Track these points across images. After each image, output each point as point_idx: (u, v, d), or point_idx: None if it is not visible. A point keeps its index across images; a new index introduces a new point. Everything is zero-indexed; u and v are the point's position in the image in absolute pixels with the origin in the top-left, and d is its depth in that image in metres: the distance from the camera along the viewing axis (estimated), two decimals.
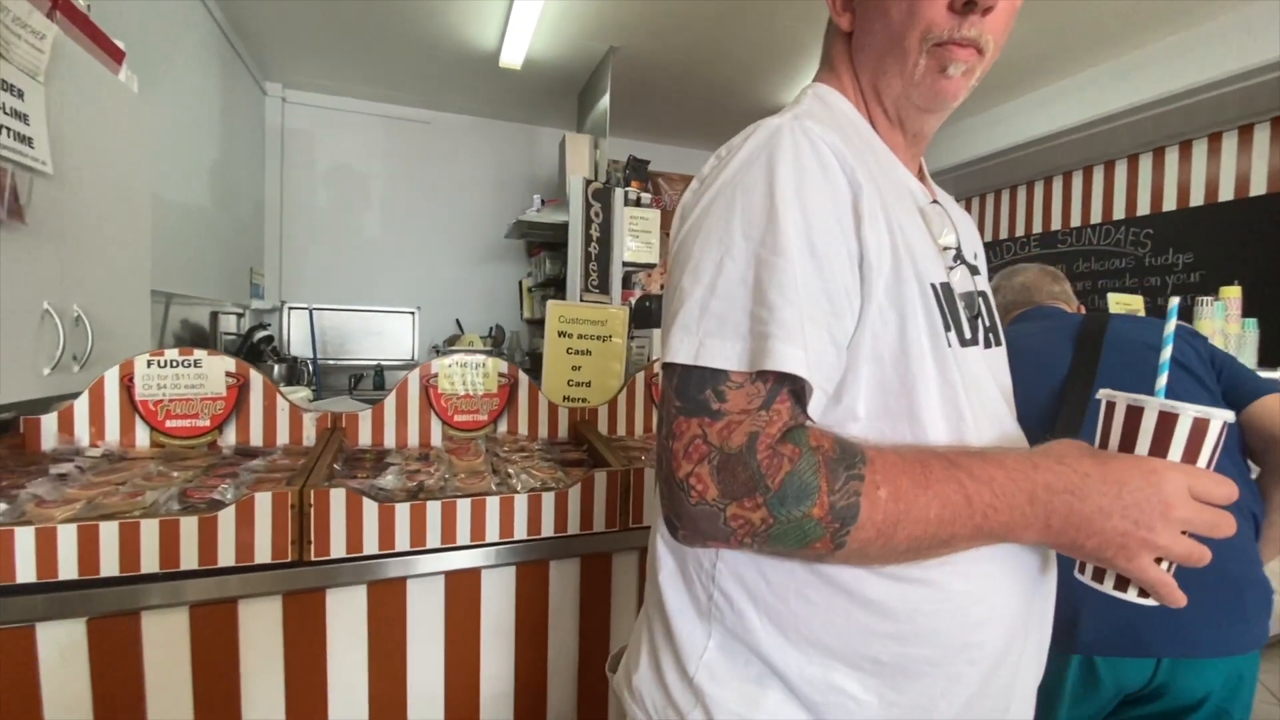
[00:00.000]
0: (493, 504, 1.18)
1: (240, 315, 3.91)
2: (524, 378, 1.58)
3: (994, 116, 4.67)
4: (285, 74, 4.32)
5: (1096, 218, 4.63)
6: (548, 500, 1.22)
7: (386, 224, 4.82)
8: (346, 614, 1.13)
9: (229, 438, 1.39)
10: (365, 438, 1.47)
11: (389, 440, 1.48)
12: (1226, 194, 3.86)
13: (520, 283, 4.88)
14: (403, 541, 1.13)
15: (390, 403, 1.48)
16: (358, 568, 1.12)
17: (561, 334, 1.64)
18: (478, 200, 5.01)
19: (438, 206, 4.92)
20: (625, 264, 3.59)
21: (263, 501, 1.04)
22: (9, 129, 1.11)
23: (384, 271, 4.80)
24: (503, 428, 1.57)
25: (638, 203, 3.60)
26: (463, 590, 1.21)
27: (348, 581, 1.12)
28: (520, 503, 1.20)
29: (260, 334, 3.57)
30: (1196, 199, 4.01)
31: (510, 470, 1.27)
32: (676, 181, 5.64)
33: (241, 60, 3.91)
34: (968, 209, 5.76)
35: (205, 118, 3.41)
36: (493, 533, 1.19)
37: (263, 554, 1.05)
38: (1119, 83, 3.92)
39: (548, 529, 1.23)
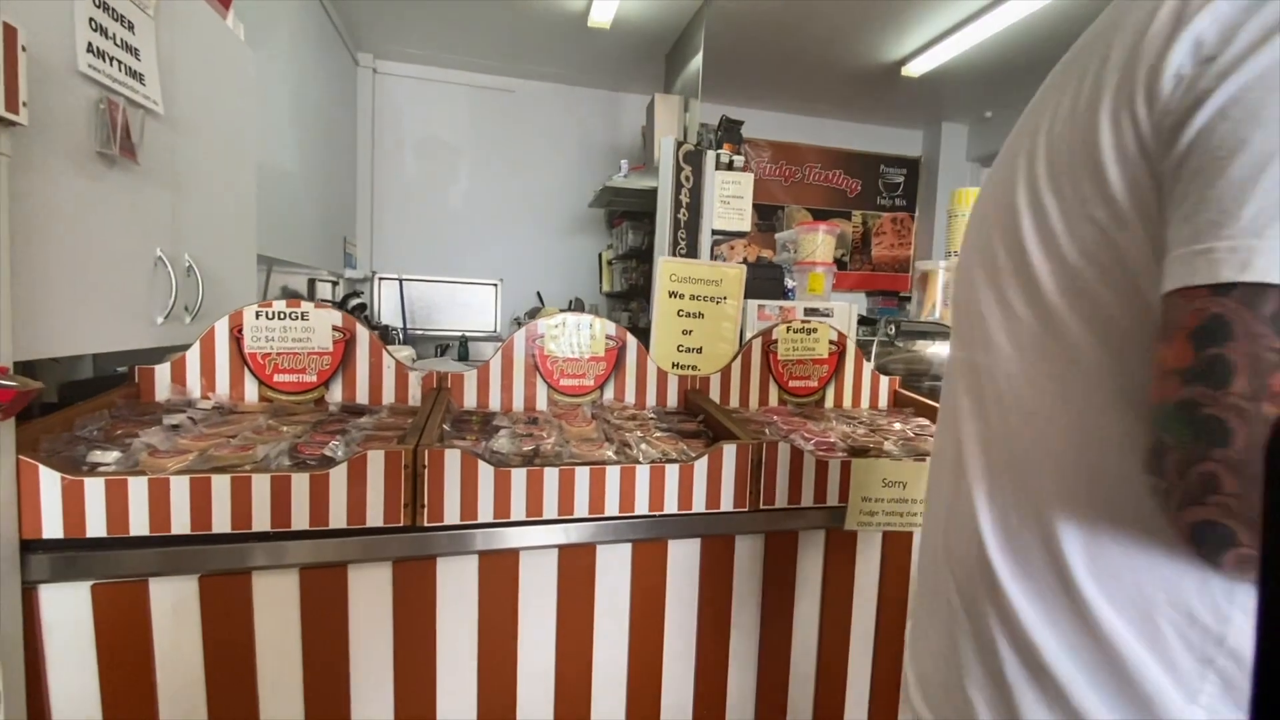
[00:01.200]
0: (613, 474, 1.06)
1: (335, 283, 4.00)
2: (632, 341, 1.45)
3: None
4: (375, 43, 4.35)
5: None
6: (671, 473, 1.09)
7: (471, 195, 4.82)
8: (458, 585, 1.04)
9: (335, 394, 1.33)
10: (470, 399, 1.39)
11: (494, 403, 1.39)
12: None
13: (600, 255, 4.78)
14: (518, 510, 1.03)
15: (496, 363, 1.39)
16: (470, 535, 1.03)
17: (672, 294, 1.50)
18: (560, 170, 4.93)
19: (521, 177, 4.88)
20: (714, 232, 3.41)
21: (375, 460, 0.96)
22: (120, 61, 1.06)
23: (468, 243, 4.81)
24: (609, 394, 1.45)
25: (730, 166, 3.40)
26: (577, 567, 1.10)
27: (460, 550, 1.03)
28: (642, 474, 1.08)
29: (354, 301, 3.62)
30: None
31: (629, 439, 1.14)
32: (764, 149, 5.36)
33: (335, 28, 3.95)
34: None
35: (302, 83, 3.45)
36: (612, 505, 1.07)
37: (375, 516, 0.97)
38: None
39: (671, 505, 1.10)
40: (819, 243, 3.11)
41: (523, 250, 4.89)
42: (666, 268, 1.49)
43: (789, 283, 3.20)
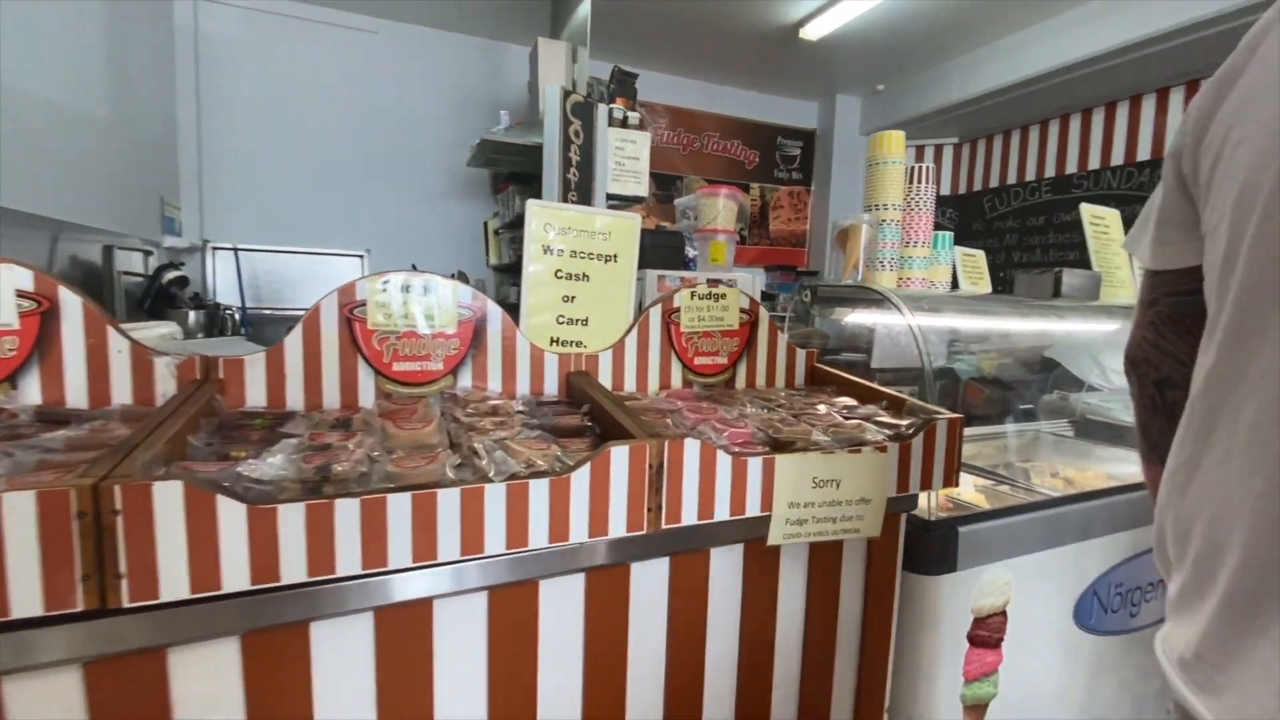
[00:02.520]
0: (449, 500, 0.72)
1: (148, 254, 3.28)
2: (495, 310, 1.11)
3: (1010, 45, 4.21)
4: None
5: (1118, 159, 4.27)
6: (539, 492, 0.77)
7: (328, 153, 4.17)
8: (205, 687, 0.67)
9: (30, 393, 0.88)
10: (258, 395, 0.98)
11: (294, 399, 1.00)
12: None
13: (485, 224, 4.31)
14: (293, 567, 0.67)
15: (295, 343, 0.99)
16: (213, 612, 0.66)
17: (548, 250, 1.16)
18: (435, 127, 4.38)
19: (388, 133, 4.28)
20: (609, 197, 3.08)
21: (15, 507, 0.56)
22: None
23: (327, 208, 4.18)
24: (465, 381, 1.10)
25: (624, 123, 3.07)
26: (406, 633, 0.76)
27: (197, 636, 0.66)
28: (495, 497, 0.74)
29: (170, 275, 2.97)
30: None
31: (478, 445, 0.80)
32: (661, 113, 5.07)
33: None
34: (975, 150, 5.36)
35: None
36: (450, 546, 0.73)
37: (25, 599, 0.58)
38: (1152, 4, 3.49)
39: (539, 536, 0.78)
40: (720, 208, 2.87)
41: (394, 217, 4.31)
42: (539, 215, 1.15)
43: (690, 252, 2.94)
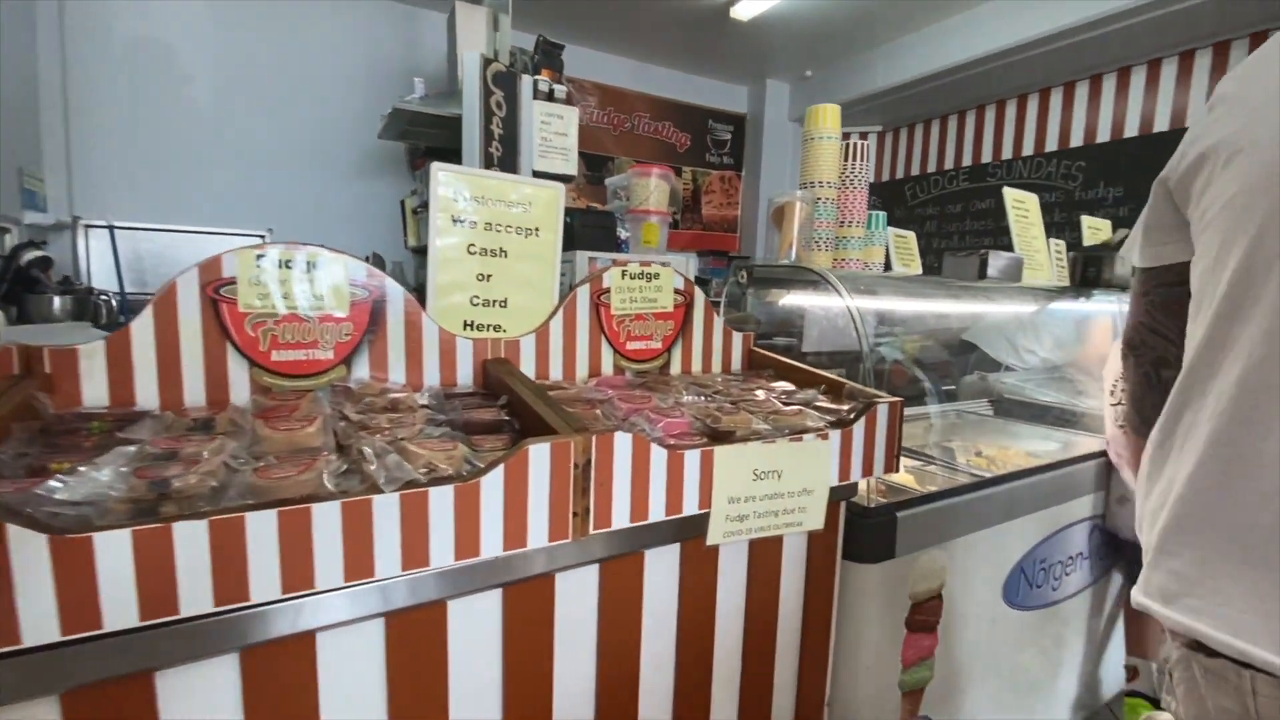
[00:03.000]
0: (326, 517, 0.59)
1: (5, 231, 2.86)
2: (396, 289, 0.97)
3: (931, 34, 4.32)
4: None
5: (1029, 149, 4.48)
6: (441, 501, 0.65)
7: (223, 121, 3.77)
8: None
9: None
10: (98, 392, 0.81)
11: (145, 397, 0.83)
12: (1162, 125, 3.76)
13: (403, 203, 4.04)
14: (120, 609, 0.53)
15: (144, 329, 0.82)
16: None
17: (458, 221, 1.03)
18: (345, 95, 4.05)
19: (293, 101, 3.92)
20: (536, 174, 2.92)
21: None
22: None
23: (222, 183, 3.79)
24: (361, 371, 0.96)
25: (550, 96, 2.91)
26: (282, 674, 0.63)
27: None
28: (386, 510, 0.62)
29: (30, 255, 2.59)
30: (1131, 129, 3.90)
31: (366, 448, 0.67)
32: (591, 91, 4.91)
33: None
34: (897, 139, 5.51)
35: None
36: (330, 570, 0.61)
37: None
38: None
39: (443, 553, 0.67)
40: (652, 189, 2.77)
41: (299, 194, 3.97)
42: (448, 181, 1.01)
43: (622, 233, 2.84)
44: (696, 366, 1.31)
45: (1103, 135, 4.04)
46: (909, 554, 1.23)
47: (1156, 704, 1.69)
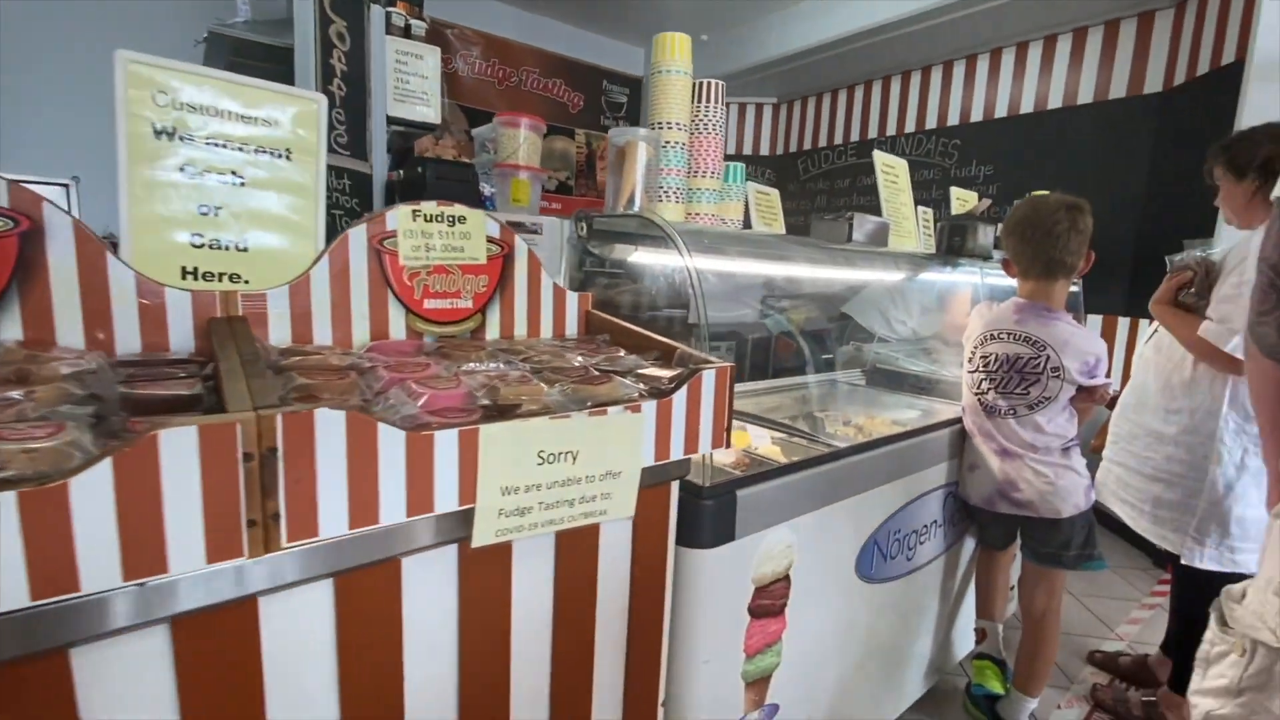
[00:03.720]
0: None
1: None
2: (63, 221, 0.71)
3: (824, 3, 4.28)
4: None
5: (910, 126, 4.58)
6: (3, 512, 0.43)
7: (12, 56, 3.12)
8: None
9: None
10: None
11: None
12: (1027, 107, 3.93)
13: None
14: None
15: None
16: None
17: (164, 134, 0.77)
18: (155, 24, 3.46)
19: (94, 28, 3.30)
20: (391, 121, 2.60)
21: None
22: None
23: (13, 124, 3.15)
24: (10, 332, 0.70)
25: (407, 32, 2.58)
26: None
27: None
28: None
29: None
30: (1001, 110, 4.06)
31: None
32: (474, 41, 4.52)
33: None
34: (790, 112, 5.50)
35: None
36: None
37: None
38: None
39: (10, 590, 0.45)
40: (521, 140, 2.53)
41: (109, 136, 3.37)
42: (142, 79, 0.75)
43: (486, 189, 2.58)
44: (521, 330, 1.13)
45: (976, 115, 4.19)
46: (752, 535, 1.13)
47: (1002, 665, 1.73)
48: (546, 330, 1.17)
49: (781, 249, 1.53)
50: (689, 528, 1.05)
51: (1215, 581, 1.69)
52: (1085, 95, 3.65)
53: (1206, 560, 1.55)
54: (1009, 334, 1.54)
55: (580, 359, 0.97)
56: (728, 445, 0.95)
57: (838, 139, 5.10)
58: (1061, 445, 1.54)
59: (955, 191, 2.58)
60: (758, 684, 1.23)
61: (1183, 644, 1.79)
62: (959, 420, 1.70)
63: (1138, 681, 1.95)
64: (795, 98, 5.42)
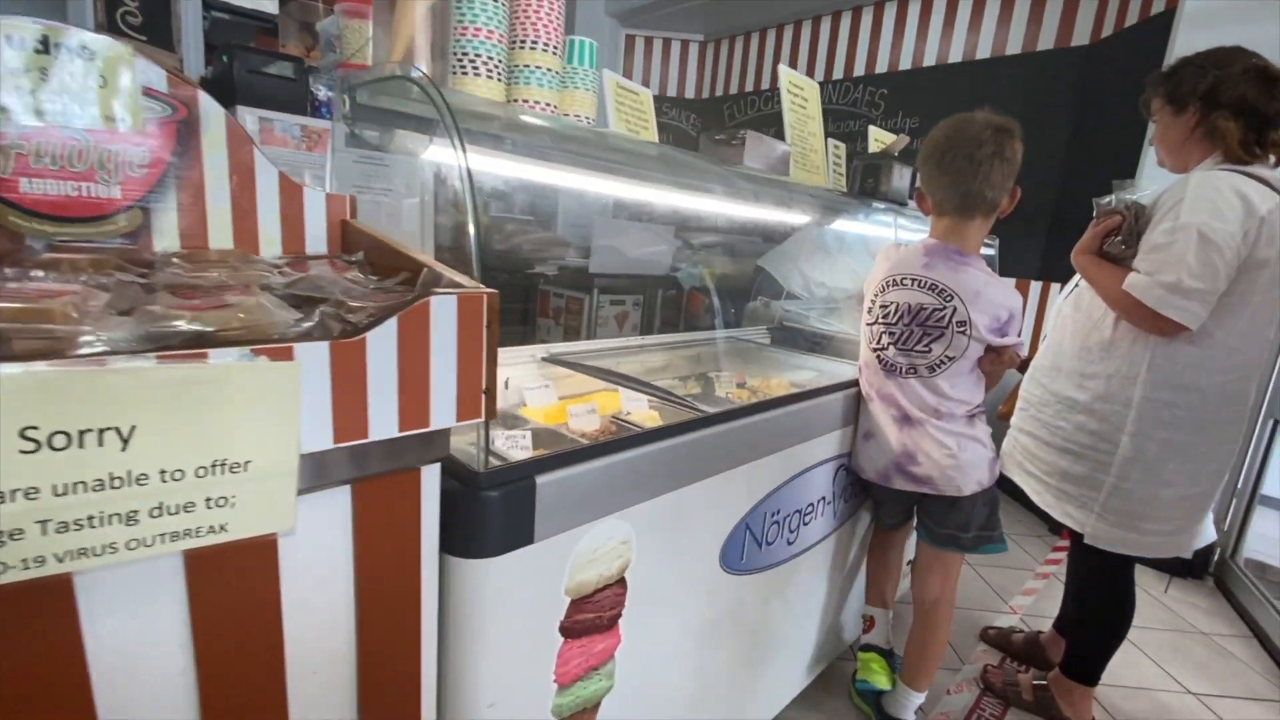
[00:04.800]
0: None
1: None
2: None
3: None
4: None
5: (839, 73, 4.32)
6: None
7: None
8: None
9: None
10: None
11: None
12: (956, 55, 3.73)
13: None
14: None
15: None
16: None
17: None
18: None
19: None
20: (214, 5, 2.09)
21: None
22: None
23: None
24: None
25: None
26: None
27: None
28: None
29: None
30: (930, 58, 3.84)
31: None
32: None
33: None
34: (718, 51, 5.13)
35: None
36: None
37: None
38: None
39: None
40: (369, 35, 2.08)
41: None
42: None
43: (321, 93, 2.12)
44: (223, 240, 0.76)
45: (904, 63, 3.96)
46: (563, 534, 0.83)
47: (888, 655, 1.55)
48: (271, 244, 0.81)
49: (642, 163, 1.20)
50: (461, 530, 0.74)
51: (1116, 564, 1.58)
52: (1014, 45, 3.47)
53: (1111, 541, 1.40)
54: (914, 280, 1.29)
55: (271, 275, 0.62)
56: (489, 415, 0.64)
57: (765, 84, 4.78)
58: (966, 412, 1.32)
59: (873, 131, 2.32)
60: (581, 715, 0.96)
61: (1078, 624, 1.67)
62: (854, 382, 1.46)
63: (1030, 661, 1.84)
64: (724, 36, 5.04)
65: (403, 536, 0.68)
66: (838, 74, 4.32)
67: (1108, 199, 1.45)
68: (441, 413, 0.59)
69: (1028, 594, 2.28)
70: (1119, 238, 1.37)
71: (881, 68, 4.08)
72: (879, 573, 1.58)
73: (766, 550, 1.29)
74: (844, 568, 1.63)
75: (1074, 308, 1.50)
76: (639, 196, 1.31)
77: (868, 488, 1.52)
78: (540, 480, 0.78)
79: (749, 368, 2.10)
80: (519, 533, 0.78)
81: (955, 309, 1.25)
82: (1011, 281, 3.30)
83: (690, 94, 5.30)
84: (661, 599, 1.04)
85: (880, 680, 1.49)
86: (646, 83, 5.34)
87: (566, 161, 1.07)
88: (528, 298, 3.02)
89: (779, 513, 1.29)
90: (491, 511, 0.74)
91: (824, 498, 1.44)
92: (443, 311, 0.56)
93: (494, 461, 0.77)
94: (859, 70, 4.20)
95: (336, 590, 0.63)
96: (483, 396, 0.61)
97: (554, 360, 1.55)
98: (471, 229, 0.73)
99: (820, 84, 4.39)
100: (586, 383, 1.53)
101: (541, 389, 1.47)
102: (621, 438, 0.92)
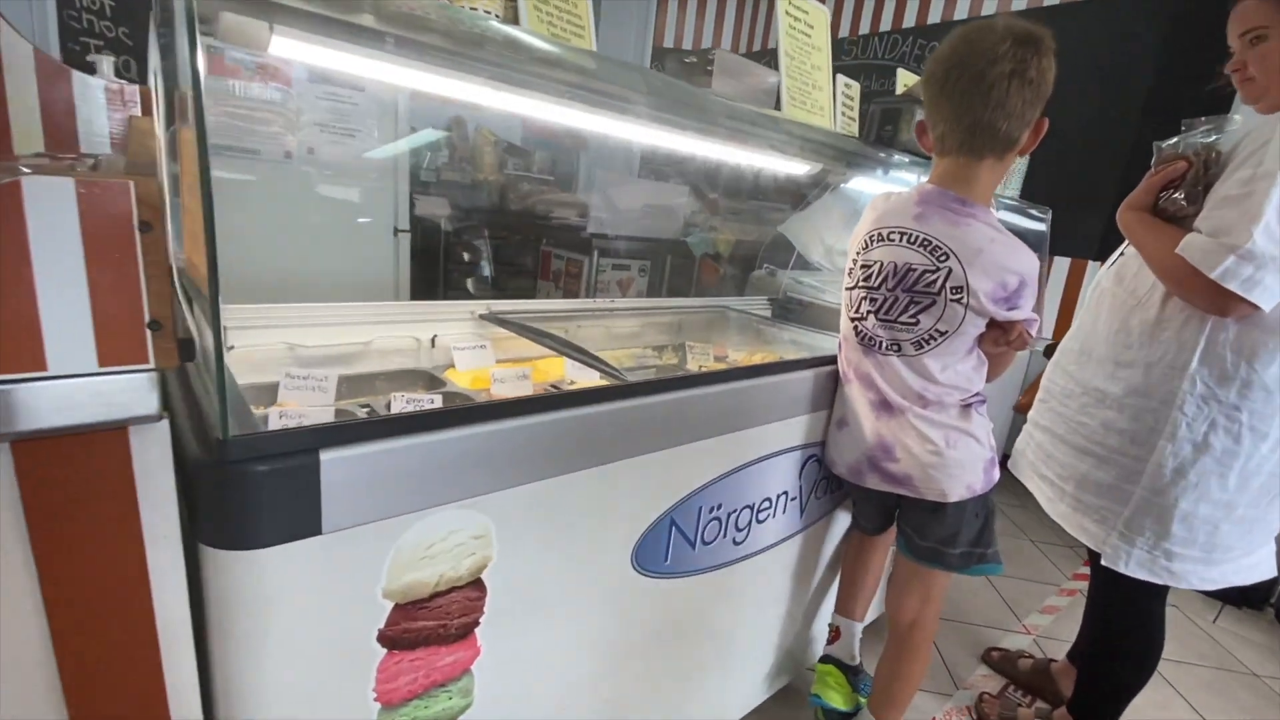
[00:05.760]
0: None
1: None
2: None
3: None
4: None
5: (887, 24, 3.91)
6: None
7: None
8: None
9: None
10: None
11: None
12: (1019, 3, 3.30)
13: None
14: None
15: None
16: None
17: None
18: None
19: None
20: None
21: None
22: None
23: None
24: None
25: None
26: None
27: None
28: None
29: None
30: (989, 7, 3.42)
31: None
32: None
33: None
34: (754, 6, 4.75)
35: None
36: None
37: None
38: None
39: None
40: None
41: None
42: None
43: None
44: None
45: (961, 12, 3.54)
46: (371, 523, 0.66)
47: (850, 670, 1.34)
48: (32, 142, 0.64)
49: (567, 77, 0.97)
50: (211, 513, 0.57)
51: (1141, 592, 1.29)
52: None
53: (1134, 565, 1.14)
54: (901, 234, 1.04)
55: None
56: (168, 361, 0.46)
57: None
58: (960, 400, 1.07)
59: (901, 74, 2.02)
60: None
61: (1092, 657, 1.42)
62: (832, 359, 1.23)
63: (1036, 692, 1.60)
64: None
65: (109, 516, 0.52)
66: (886, 24, 3.92)
67: (1173, 141, 1.15)
68: (66, 352, 0.41)
69: (1047, 612, 2.01)
70: (1178, 193, 1.08)
71: (934, 17, 3.66)
72: (851, 581, 1.37)
73: (703, 550, 1.09)
74: (815, 572, 1.42)
75: (1115, 280, 1.22)
76: (562, 120, 1.09)
77: (841, 484, 1.29)
78: (327, 456, 0.60)
79: (736, 338, 1.87)
80: (299, 520, 0.60)
81: (950, 270, 0.99)
82: (1065, 265, 2.92)
83: (727, 47, 4.95)
84: (542, 605, 0.86)
85: (834, 698, 1.28)
86: (681, 39, 4.99)
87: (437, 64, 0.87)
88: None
89: (720, 507, 1.09)
90: (247, 491, 0.57)
91: (786, 492, 1.23)
92: (47, 203, 0.38)
93: (263, 429, 0.59)
94: (909, 19, 3.79)
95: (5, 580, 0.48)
96: (147, 333, 0.43)
97: (492, 319, 1.37)
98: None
99: (865, 36, 4.01)
100: (531, 348, 1.35)
101: (475, 349, 1.30)
102: (463, 408, 0.73)
